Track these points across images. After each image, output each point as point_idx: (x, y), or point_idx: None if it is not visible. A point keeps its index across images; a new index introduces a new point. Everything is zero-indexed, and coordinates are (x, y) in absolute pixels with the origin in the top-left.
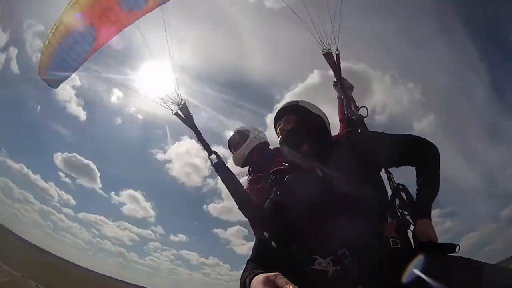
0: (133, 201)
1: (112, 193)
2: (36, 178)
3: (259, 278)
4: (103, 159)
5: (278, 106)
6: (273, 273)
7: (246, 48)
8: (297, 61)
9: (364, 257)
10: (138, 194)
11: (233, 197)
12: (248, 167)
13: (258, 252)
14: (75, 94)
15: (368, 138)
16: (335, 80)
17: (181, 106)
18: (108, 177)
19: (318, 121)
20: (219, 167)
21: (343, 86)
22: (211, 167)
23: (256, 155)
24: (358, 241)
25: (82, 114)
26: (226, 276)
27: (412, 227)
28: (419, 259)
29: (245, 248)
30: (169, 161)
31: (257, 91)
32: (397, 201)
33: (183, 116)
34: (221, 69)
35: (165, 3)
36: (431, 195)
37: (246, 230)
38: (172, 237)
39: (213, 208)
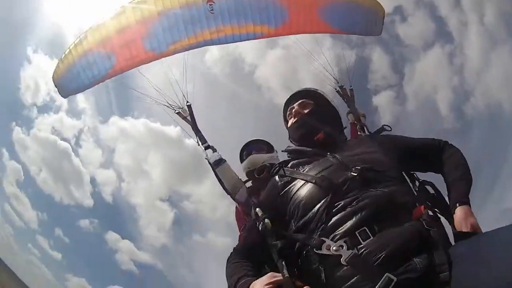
0: None
1: None
2: None
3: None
4: None
5: None
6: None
7: None
8: None
9: (391, 236)
10: None
11: (227, 189)
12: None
13: (248, 240)
14: None
15: (393, 137)
16: (349, 109)
17: (185, 107)
18: None
19: (335, 112)
20: (216, 161)
21: (356, 114)
22: (206, 159)
23: (267, 173)
24: (383, 215)
25: None
26: None
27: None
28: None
29: None
30: None
31: None
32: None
33: (185, 115)
34: None
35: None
36: (468, 183)
37: None
38: None
39: None
